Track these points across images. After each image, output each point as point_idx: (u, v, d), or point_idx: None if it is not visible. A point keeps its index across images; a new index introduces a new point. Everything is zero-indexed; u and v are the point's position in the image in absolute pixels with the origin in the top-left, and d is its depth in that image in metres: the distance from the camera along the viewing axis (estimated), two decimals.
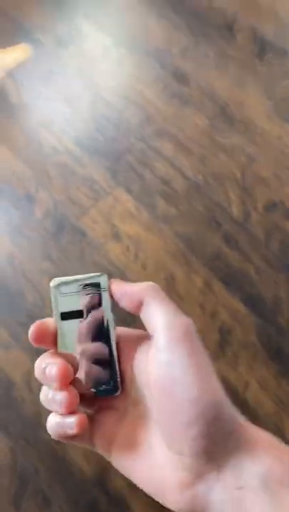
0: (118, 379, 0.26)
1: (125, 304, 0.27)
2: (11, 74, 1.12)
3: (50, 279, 0.29)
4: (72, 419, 0.25)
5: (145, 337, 0.27)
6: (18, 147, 1.05)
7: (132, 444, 0.25)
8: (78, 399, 0.25)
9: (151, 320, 0.25)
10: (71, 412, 0.25)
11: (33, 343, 0.27)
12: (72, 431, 0.25)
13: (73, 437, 0.25)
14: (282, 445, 0.24)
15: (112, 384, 0.26)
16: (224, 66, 1.06)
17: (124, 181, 0.99)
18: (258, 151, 0.98)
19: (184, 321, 0.25)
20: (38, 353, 0.27)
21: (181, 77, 1.06)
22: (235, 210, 0.94)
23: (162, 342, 0.24)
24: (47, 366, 0.25)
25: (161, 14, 1.13)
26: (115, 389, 0.26)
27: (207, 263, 0.90)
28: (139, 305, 0.26)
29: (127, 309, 0.27)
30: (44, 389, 0.26)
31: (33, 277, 0.93)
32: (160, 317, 0.25)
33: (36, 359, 0.27)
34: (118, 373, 0.26)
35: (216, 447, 0.23)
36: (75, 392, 0.25)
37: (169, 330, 0.24)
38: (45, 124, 1.06)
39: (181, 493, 0.23)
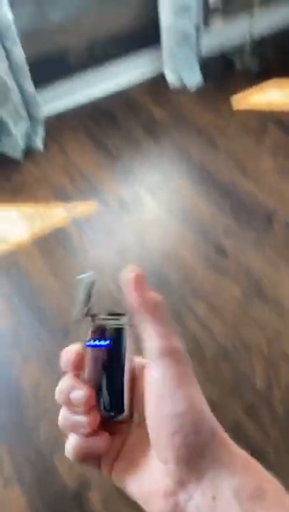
0: (126, 406, 0.29)
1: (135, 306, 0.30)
2: (77, 223, 1.30)
3: None
4: (98, 439, 0.28)
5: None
6: (70, 283, 1.16)
7: (131, 463, 0.28)
8: (99, 420, 0.28)
9: (147, 339, 0.29)
10: (94, 433, 0.28)
11: (66, 370, 0.29)
12: (101, 448, 0.28)
13: (93, 456, 0.28)
14: (256, 464, 0.27)
15: (120, 410, 0.29)
16: (261, 249, 1.20)
17: None
18: (286, 329, 1.04)
19: (175, 345, 0.28)
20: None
21: (221, 251, 1.20)
22: (259, 382, 0.96)
23: (155, 363, 0.27)
24: (72, 391, 0.28)
25: (211, 198, 1.33)
26: (123, 414, 0.29)
27: (225, 432, 0.89)
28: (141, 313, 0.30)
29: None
30: (64, 412, 0.28)
31: (52, 408, 0.93)
32: (155, 339, 0.28)
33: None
34: (127, 402, 0.29)
35: (197, 458, 0.25)
36: (97, 414, 0.28)
37: (162, 353, 0.27)
38: (97, 268, 1.18)
39: (166, 501, 0.25)
